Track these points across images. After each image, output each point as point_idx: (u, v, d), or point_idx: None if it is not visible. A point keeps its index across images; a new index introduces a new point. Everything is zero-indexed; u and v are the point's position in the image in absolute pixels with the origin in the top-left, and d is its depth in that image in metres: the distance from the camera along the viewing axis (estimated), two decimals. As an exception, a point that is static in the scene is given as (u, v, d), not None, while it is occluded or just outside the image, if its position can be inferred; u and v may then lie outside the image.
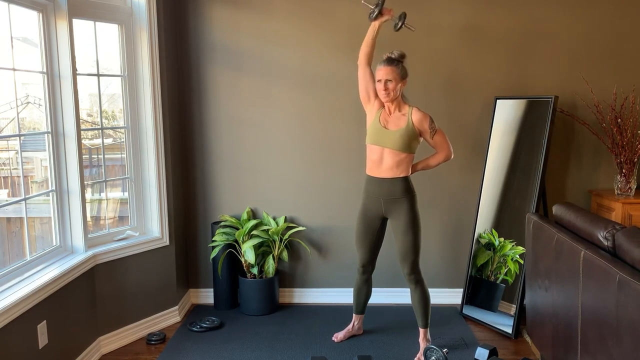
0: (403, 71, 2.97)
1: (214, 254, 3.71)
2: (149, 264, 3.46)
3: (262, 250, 3.76)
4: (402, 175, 3.00)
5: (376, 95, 3.05)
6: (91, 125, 3.62)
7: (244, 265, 3.73)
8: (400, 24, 3.12)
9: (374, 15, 3.03)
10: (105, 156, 3.41)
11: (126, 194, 3.51)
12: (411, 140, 2.97)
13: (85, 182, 3.19)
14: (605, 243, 2.31)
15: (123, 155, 3.48)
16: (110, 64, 3.43)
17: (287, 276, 3.98)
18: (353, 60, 3.13)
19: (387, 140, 2.97)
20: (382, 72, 2.94)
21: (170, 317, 3.63)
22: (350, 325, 3.41)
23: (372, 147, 3.03)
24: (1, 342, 2.32)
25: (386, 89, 2.93)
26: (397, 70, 2.94)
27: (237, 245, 3.74)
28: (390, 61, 2.94)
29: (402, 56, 2.98)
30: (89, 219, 3.27)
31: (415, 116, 2.97)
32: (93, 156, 3.65)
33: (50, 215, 3.06)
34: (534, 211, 3.38)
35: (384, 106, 3.04)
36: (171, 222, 3.60)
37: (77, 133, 3.01)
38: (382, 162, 3.00)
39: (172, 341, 3.36)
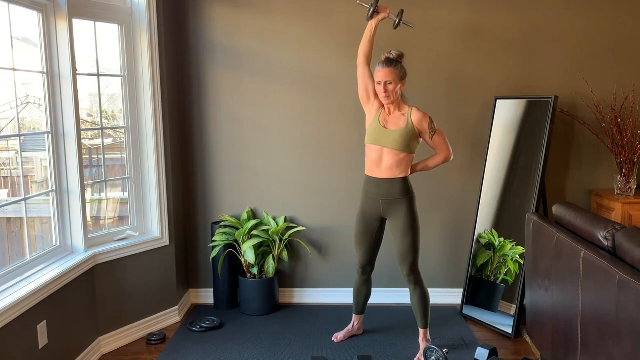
0: (402, 71, 2.96)
1: (214, 254, 3.71)
2: (149, 264, 3.46)
3: (262, 250, 3.76)
4: (401, 176, 3.00)
5: (376, 95, 3.05)
6: (91, 125, 3.62)
7: (244, 265, 3.73)
8: (398, 21, 3.12)
9: (369, 14, 3.04)
10: (105, 156, 3.41)
11: (126, 194, 3.51)
12: (411, 141, 2.97)
13: (85, 182, 3.19)
14: (605, 243, 2.31)
15: (123, 155, 3.48)
16: (110, 64, 3.43)
17: (287, 276, 3.98)
18: (353, 59, 3.13)
19: (387, 140, 2.96)
20: (382, 74, 2.93)
21: (170, 317, 3.63)
22: (350, 326, 3.41)
23: (372, 147, 3.02)
24: (1, 342, 2.32)
25: (386, 90, 2.93)
26: (397, 71, 2.93)
27: (237, 245, 3.74)
28: (389, 62, 2.94)
29: (400, 56, 2.97)
30: (89, 219, 3.27)
31: (415, 116, 2.97)
32: (93, 156, 3.65)
33: (50, 215, 3.06)
34: (534, 211, 3.37)
35: (383, 106, 3.03)
36: (171, 222, 3.60)
37: (77, 133, 3.01)
38: (382, 162, 3.00)
39: (172, 341, 3.36)
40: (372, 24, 3.05)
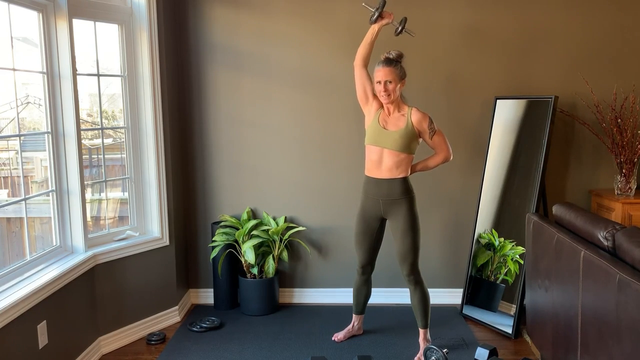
0: (402, 71, 2.97)
1: (214, 254, 3.71)
2: (149, 264, 3.46)
3: (262, 251, 3.76)
4: (401, 176, 3.00)
5: (374, 96, 3.05)
6: (91, 125, 3.62)
7: (244, 265, 3.73)
8: (400, 29, 3.11)
9: (374, 18, 3.03)
10: (105, 156, 3.41)
11: (126, 194, 3.51)
12: (411, 141, 2.97)
13: (85, 182, 3.19)
14: (605, 243, 2.31)
15: (123, 155, 3.48)
16: (110, 64, 3.43)
17: (287, 276, 3.98)
18: (353, 59, 3.13)
19: (387, 141, 2.96)
20: (382, 73, 2.93)
21: (170, 317, 3.62)
22: (350, 326, 3.41)
23: (372, 148, 3.02)
24: (1, 342, 2.32)
25: (386, 90, 2.93)
26: (396, 70, 2.93)
27: (237, 245, 3.74)
28: (388, 62, 2.94)
29: (400, 56, 2.97)
30: (89, 219, 3.27)
31: (415, 116, 2.97)
32: (93, 156, 3.65)
33: (50, 215, 3.06)
34: (534, 211, 3.37)
35: (382, 107, 3.04)
36: (171, 222, 3.60)
37: (77, 133, 3.01)
38: (382, 162, 3.00)
39: (172, 341, 3.36)
40: (374, 27, 3.03)
